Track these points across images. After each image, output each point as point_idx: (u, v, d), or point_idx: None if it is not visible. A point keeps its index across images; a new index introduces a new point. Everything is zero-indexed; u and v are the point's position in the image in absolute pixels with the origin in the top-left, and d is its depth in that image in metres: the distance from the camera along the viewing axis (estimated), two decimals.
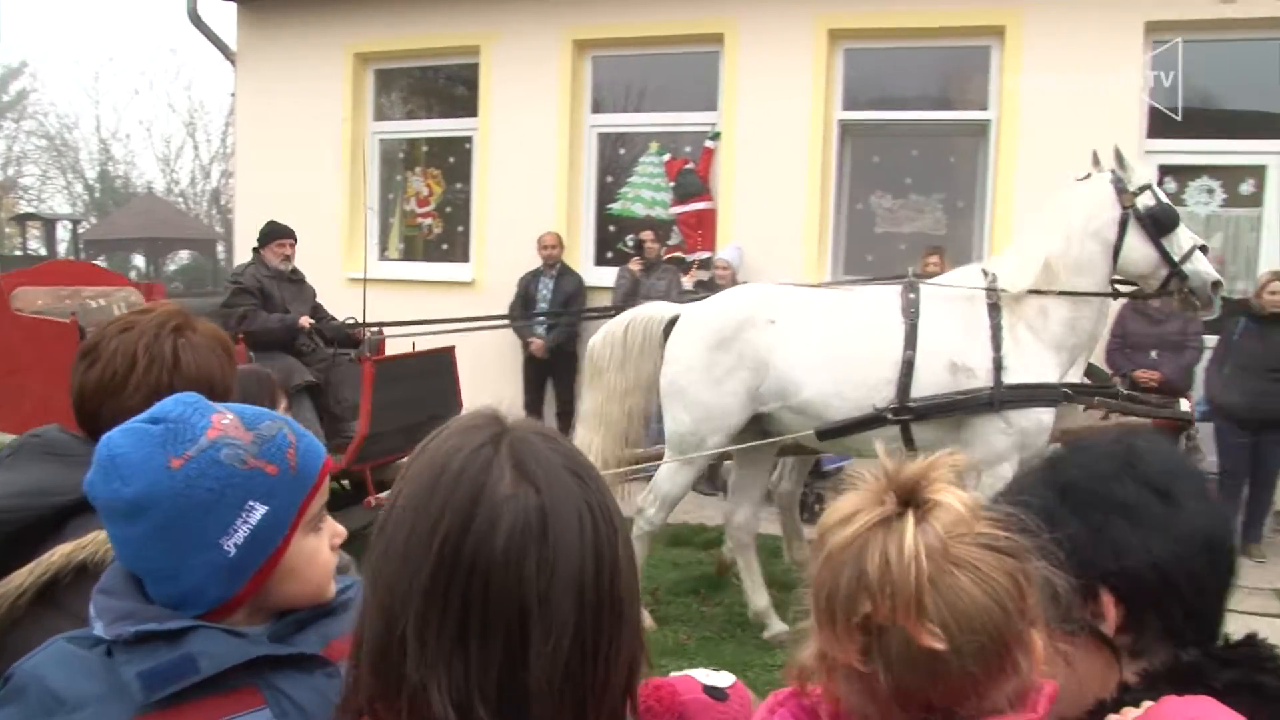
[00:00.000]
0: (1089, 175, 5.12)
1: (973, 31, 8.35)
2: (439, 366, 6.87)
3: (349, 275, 9.97)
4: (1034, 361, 4.83)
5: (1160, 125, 8.09)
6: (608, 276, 9.08)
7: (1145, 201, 4.96)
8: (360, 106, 10.17)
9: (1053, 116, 8.00)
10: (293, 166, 10.08)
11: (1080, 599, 1.15)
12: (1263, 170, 7.99)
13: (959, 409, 4.84)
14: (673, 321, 5.39)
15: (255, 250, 6.90)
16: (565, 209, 9.33)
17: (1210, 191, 8.12)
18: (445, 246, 10.24)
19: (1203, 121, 8.14)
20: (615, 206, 9.50)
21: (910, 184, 8.83)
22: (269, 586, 1.20)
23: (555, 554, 0.87)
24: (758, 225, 8.65)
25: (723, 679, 1.25)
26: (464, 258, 9.93)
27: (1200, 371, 7.48)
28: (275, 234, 6.89)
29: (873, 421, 4.90)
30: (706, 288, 8.53)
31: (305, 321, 6.63)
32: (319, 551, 1.24)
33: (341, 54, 9.98)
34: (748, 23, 8.71)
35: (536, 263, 8.99)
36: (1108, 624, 1.17)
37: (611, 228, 9.56)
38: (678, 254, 9.04)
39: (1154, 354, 7.42)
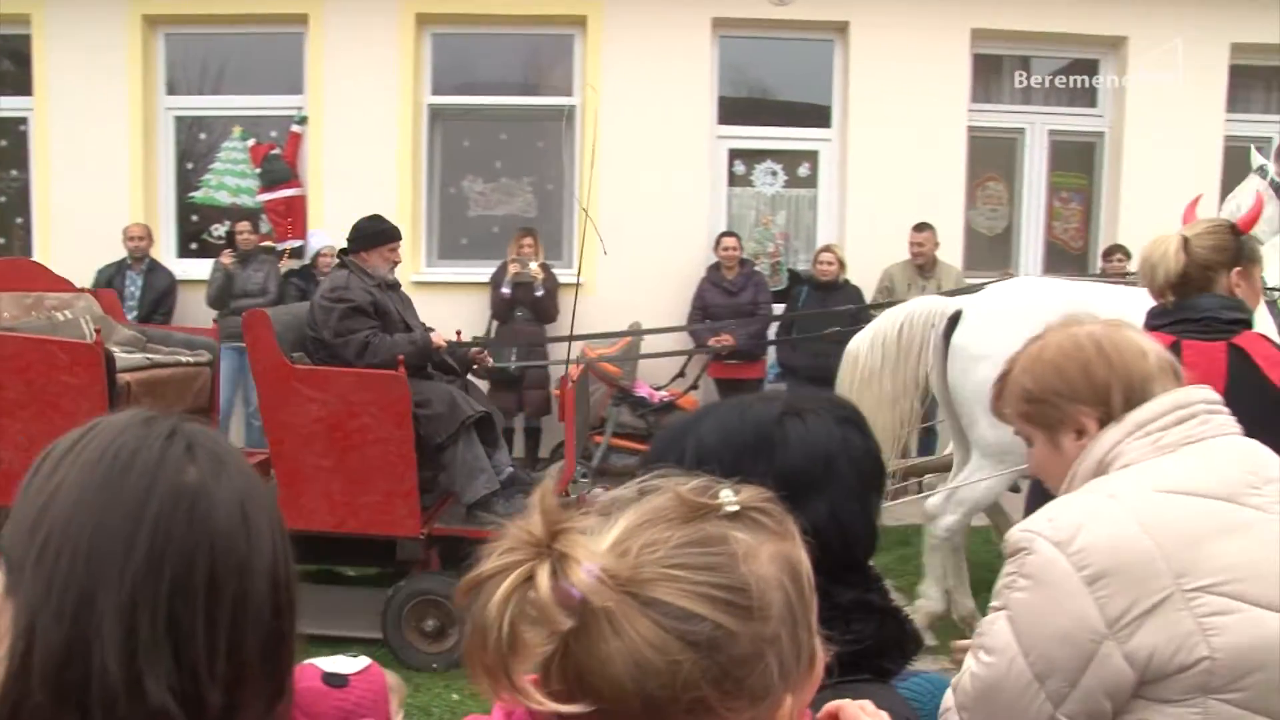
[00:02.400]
0: None
1: (556, 20, 8.59)
2: (585, 384, 6.18)
3: None
4: None
5: (728, 113, 8.70)
6: (193, 269, 8.49)
7: None
8: None
9: (632, 103, 8.37)
10: None
11: None
12: (816, 155, 8.79)
13: None
14: (954, 317, 4.88)
15: (346, 255, 5.50)
16: (142, 198, 8.62)
17: (774, 174, 8.84)
18: (1, 240, 9.18)
19: (765, 110, 8.86)
20: (198, 195, 8.88)
21: (501, 168, 8.90)
22: None
23: (256, 536, 0.89)
24: (350, 211, 8.23)
25: (351, 664, 1.23)
26: (25, 253, 8.92)
27: (771, 337, 8.10)
28: (386, 236, 5.50)
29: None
30: (301, 277, 8.22)
31: (440, 340, 5.44)
32: None
33: None
34: (333, 4, 8.46)
35: (115, 255, 8.23)
36: None
37: (195, 217, 8.96)
38: (268, 243, 8.63)
39: (731, 323, 7.95)
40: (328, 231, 8.30)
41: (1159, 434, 1.63)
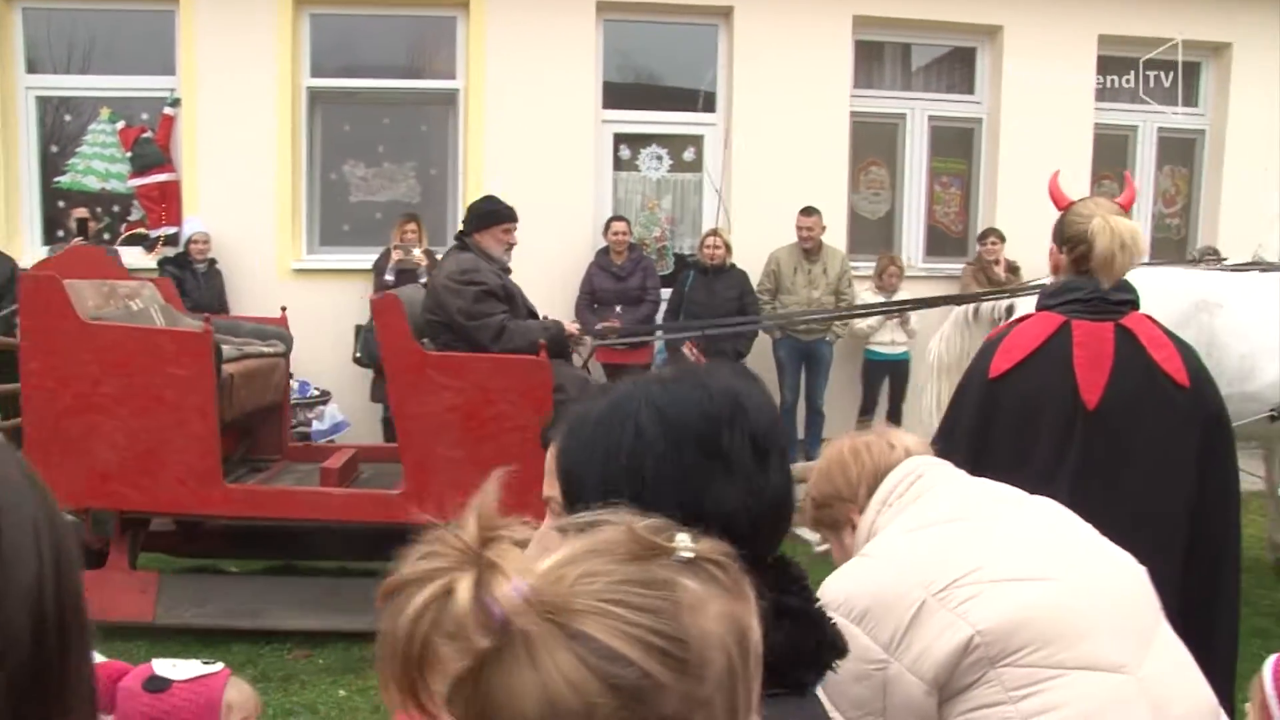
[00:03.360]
0: None
1: (439, 2, 8.45)
2: None
3: None
4: None
5: (613, 97, 8.68)
6: None
7: None
8: None
9: (517, 87, 8.29)
10: None
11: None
12: (700, 139, 8.83)
13: None
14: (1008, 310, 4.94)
15: (464, 236, 5.22)
16: (3, 184, 8.25)
17: (659, 158, 8.85)
18: None
19: (650, 95, 8.86)
20: (64, 180, 8.52)
21: (383, 152, 8.72)
22: None
23: (12, 556, 0.74)
24: (227, 196, 8.16)
25: (196, 670, 1.15)
26: None
27: (659, 322, 8.13)
28: (499, 215, 5.25)
29: None
30: (175, 264, 7.94)
31: (573, 328, 5.32)
32: None
33: None
34: None
35: None
36: None
37: (61, 203, 8.58)
38: (140, 230, 8.34)
39: (618, 308, 7.97)
40: (202, 218, 8.08)
41: (897, 500, 1.88)
